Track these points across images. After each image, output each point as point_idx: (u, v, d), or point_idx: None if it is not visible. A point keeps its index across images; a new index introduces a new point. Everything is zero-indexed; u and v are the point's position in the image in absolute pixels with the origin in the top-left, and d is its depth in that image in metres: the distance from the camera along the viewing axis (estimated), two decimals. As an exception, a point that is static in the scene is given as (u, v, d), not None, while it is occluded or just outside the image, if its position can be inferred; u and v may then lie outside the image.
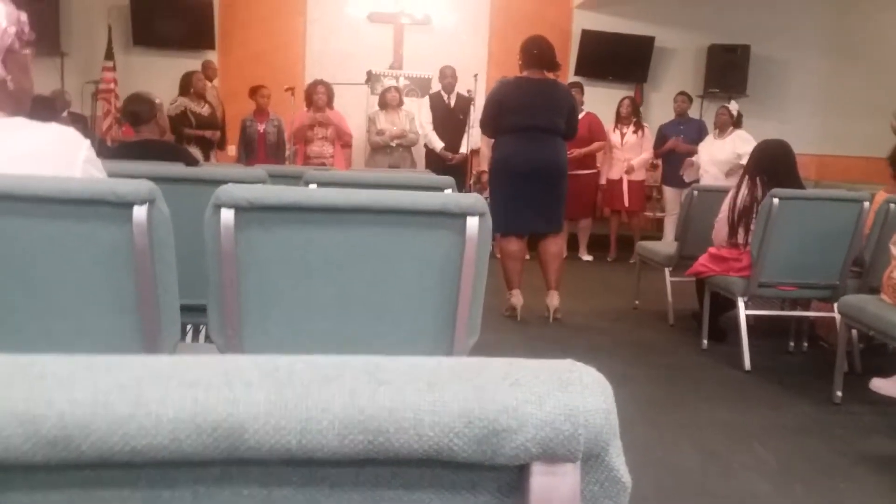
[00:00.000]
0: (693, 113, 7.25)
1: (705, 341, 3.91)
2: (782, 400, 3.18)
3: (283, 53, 7.81)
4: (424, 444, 0.37)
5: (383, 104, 6.72)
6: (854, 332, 3.39)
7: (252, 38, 7.77)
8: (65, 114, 6.43)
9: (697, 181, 6.04)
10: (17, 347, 1.32)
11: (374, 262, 1.49)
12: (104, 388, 0.37)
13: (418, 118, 6.78)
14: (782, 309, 4.02)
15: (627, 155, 6.88)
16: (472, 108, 6.46)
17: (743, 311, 3.58)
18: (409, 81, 7.73)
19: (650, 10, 8.08)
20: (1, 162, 1.25)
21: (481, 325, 1.60)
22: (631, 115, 6.93)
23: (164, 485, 0.39)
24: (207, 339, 2.13)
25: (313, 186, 2.19)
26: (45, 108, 5.19)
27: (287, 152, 6.69)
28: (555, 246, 4.43)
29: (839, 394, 3.08)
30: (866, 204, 3.48)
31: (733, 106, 6.27)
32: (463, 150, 6.68)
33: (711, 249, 3.83)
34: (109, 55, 7.31)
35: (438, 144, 6.67)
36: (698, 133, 6.70)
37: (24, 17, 1.33)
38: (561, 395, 0.39)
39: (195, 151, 5.48)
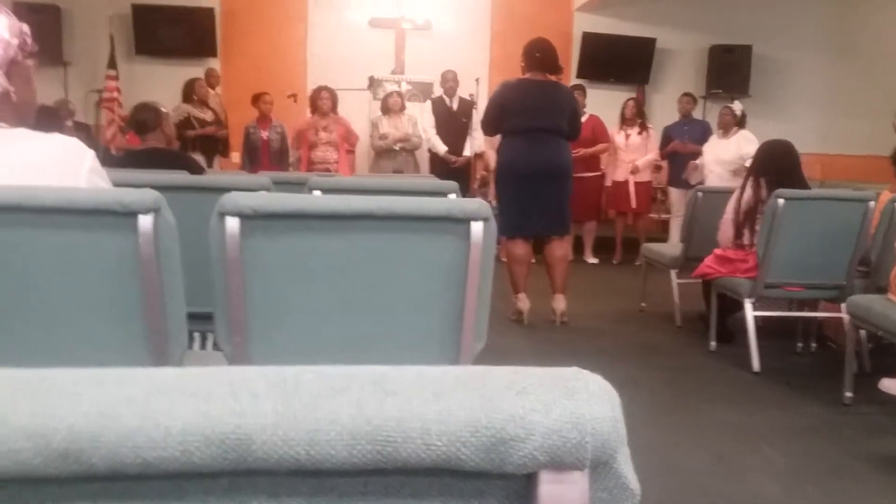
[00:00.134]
0: (696, 114, 7.25)
1: (713, 343, 3.90)
2: (791, 401, 3.17)
3: (284, 60, 7.83)
4: (432, 453, 0.38)
5: (386, 109, 6.73)
6: (862, 332, 3.37)
7: (254, 45, 7.80)
8: (69, 123, 6.46)
9: (702, 182, 6.03)
10: (25, 357, 1.33)
11: (380, 269, 1.49)
12: (113, 401, 0.37)
13: (421, 122, 6.80)
14: (790, 310, 4.00)
15: (632, 156, 6.87)
16: (474, 111, 6.47)
17: (750, 313, 3.57)
18: (411, 86, 7.74)
19: (651, 11, 8.08)
20: (5, 173, 1.26)
21: (488, 329, 1.60)
22: (635, 116, 6.93)
23: (174, 496, 0.39)
24: (215, 346, 2.13)
25: (317, 193, 2.19)
26: (50, 118, 5.21)
27: (291, 158, 6.71)
28: (560, 249, 4.42)
29: (848, 394, 3.07)
30: (872, 203, 3.47)
31: (737, 106, 6.26)
32: (466, 153, 6.68)
33: (717, 251, 3.82)
34: (112, 64, 7.35)
35: (442, 148, 6.68)
36: (703, 134, 6.69)
37: (26, 28, 1.34)
38: (568, 404, 0.39)
39: (199, 158, 5.50)
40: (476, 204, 1.48)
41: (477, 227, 1.46)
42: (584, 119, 6.33)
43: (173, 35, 7.51)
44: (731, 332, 3.97)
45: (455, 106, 6.80)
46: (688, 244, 4.41)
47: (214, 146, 6.63)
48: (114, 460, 0.36)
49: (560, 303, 4.38)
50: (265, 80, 7.24)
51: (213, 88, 6.91)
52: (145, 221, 1.27)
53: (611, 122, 6.99)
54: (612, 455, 0.40)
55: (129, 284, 1.32)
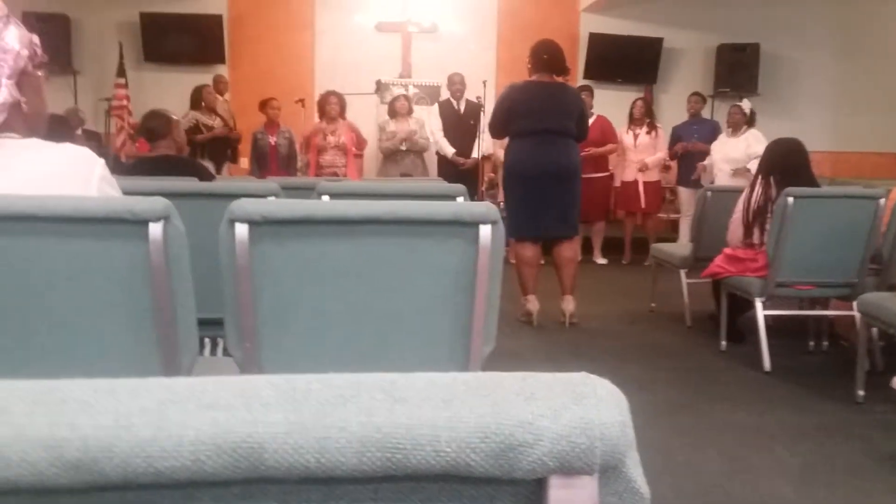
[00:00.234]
0: (704, 113, 7.22)
1: (724, 343, 3.89)
2: (803, 400, 3.15)
3: (292, 66, 7.86)
4: (442, 460, 0.38)
5: (393, 113, 6.75)
6: (874, 329, 3.35)
7: (261, 51, 7.83)
8: (79, 131, 6.51)
9: (712, 182, 6.01)
10: (36, 365, 1.34)
11: (388, 273, 1.50)
12: (126, 412, 0.37)
13: (428, 125, 6.81)
14: (801, 308, 3.99)
15: (641, 156, 6.87)
16: (481, 113, 6.47)
17: (761, 312, 3.55)
18: (418, 89, 7.75)
19: (658, 11, 8.07)
20: (17, 183, 1.27)
21: (497, 331, 1.60)
22: (644, 116, 6.92)
23: (187, 504, 0.40)
24: (225, 352, 2.14)
25: (326, 198, 2.20)
26: (60, 127, 5.25)
27: (299, 163, 6.73)
28: (569, 250, 4.42)
29: (861, 393, 3.05)
30: (882, 200, 3.46)
31: (745, 104, 6.23)
32: (474, 155, 6.69)
33: (727, 250, 3.81)
34: (121, 72, 7.40)
35: (450, 150, 6.69)
36: (712, 133, 6.67)
37: (36, 39, 1.35)
38: (576, 409, 0.39)
39: (208, 164, 5.53)
40: (484, 207, 1.49)
41: (485, 231, 1.46)
42: (591, 120, 6.33)
43: (181, 42, 7.56)
44: (741, 332, 3.95)
45: (462, 108, 6.81)
46: (697, 244, 4.39)
47: (223, 152, 6.66)
48: (127, 470, 0.36)
49: (569, 304, 4.37)
50: (273, 86, 7.27)
51: (221, 95, 6.94)
52: (155, 229, 1.28)
53: (619, 123, 6.98)
54: (621, 459, 0.40)
55: (140, 292, 1.33)
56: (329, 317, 1.50)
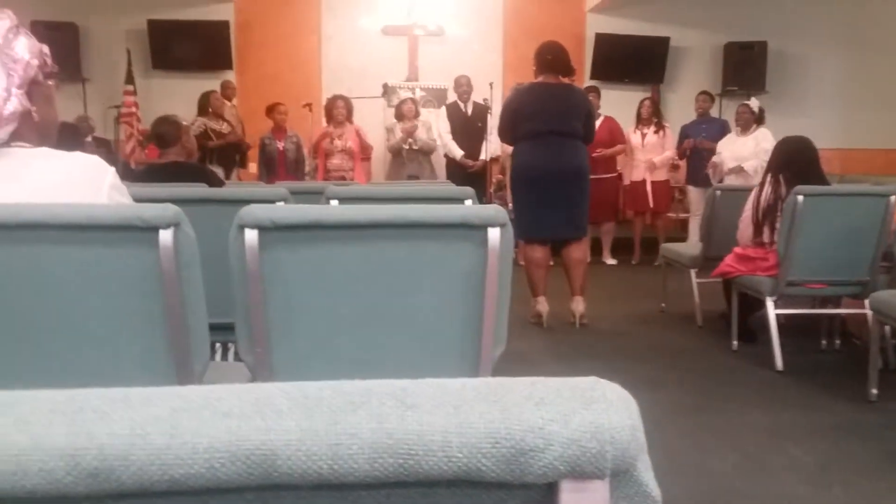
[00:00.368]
0: (712, 112, 7.20)
1: (735, 342, 3.87)
2: (816, 399, 3.14)
3: (299, 71, 7.89)
4: (453, 465, 0.38)
5: (400, 116, 6.76)
6: (887, 327, 3.33)
7: (268, 57, 7.87)
8: (89, 139, 6.56)
9: (721, 180, 5.99)
10: (50, 373, 1.35)
11: (398, 276, 1.50)
12: (141, 421, 0.38)
13: (435, 128, 6.82)
14: (812, 307, 3.97)
15: (649, 156, 6.86)
16: (489, 115, 6.48)
17: (772, 311, 3.54)
18: (424, 92, 7.77)
19: (664, 10, 8.05)
20: (29, 192, 1.28)
21: (507, 333, 1.60)
22: (652, 116, 6.91)
23: (201, 512, 0.40)
24: (236, 357, 2.15)
25: (335, 202, 2.21)
26: (71, 135, 5.29)
27: (307, 168, 6.75)
28: (578, 252, 4.41)
29: (874, 391, 3.03)
30: (893, 198, 3.43)
31: (754, 103, 6.21)
32: (482, 157, 6.70)
33: (737, 249, 3.79)
34: (130, 79, 7.45)
35: (458, 152, 6.70)
36: (721, 132, 6.64)
37: (46, 49, 1.36)
38: (586, 413, 0.39)
39: (217, 170, 5.56)
40: (492, 210, 1.49)
41: (494, 233, 1.46)
42: (599, 121, 6.32)
43: (189, 49, 7.60)
44: (753, 331, 3.94)
45: (470, 111, 6.81)
46: (707, 243, 4.38)
47: (232, 158, 6.69)
48: (142, 478, 0.37)
49: (579, 305, 4.37)
50: (280, 91, 7.30)
51: (229, 100, 6.98)
52: (166, 236, 1.28)
53: (626, 123, 6.97)
54: (632, 463, 0.40)
55: (151, 298, 1.34)
56: (339, 321, 1.51)
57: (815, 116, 7.65)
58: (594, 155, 6.31)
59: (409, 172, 6.59)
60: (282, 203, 2.17)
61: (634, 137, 6.91)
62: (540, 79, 4.35)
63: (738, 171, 5.96)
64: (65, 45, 7.06)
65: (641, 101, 7.03)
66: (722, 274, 3.87)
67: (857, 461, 2.51)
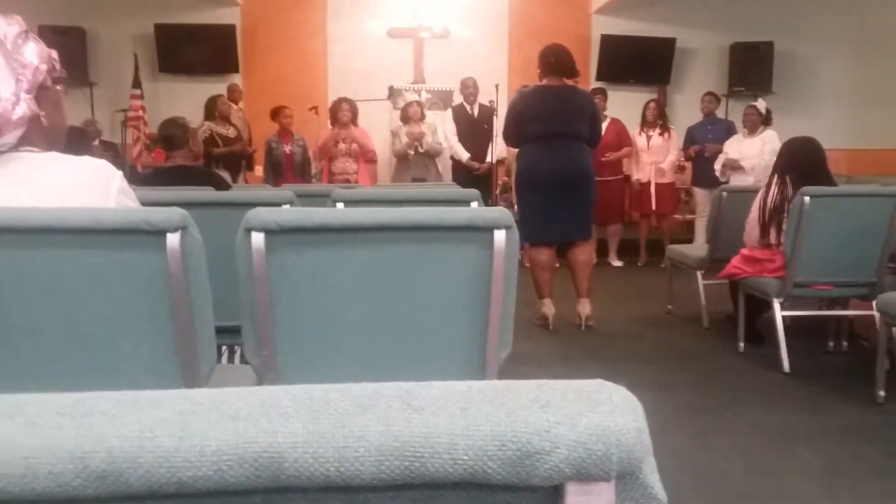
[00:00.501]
0: (719, 113, 7.18)
1: (742, 344, 3.86)
2: (824, 401, 3.13)
3: (305, 73, 7.91)
4: (459, 468, 0.38)
5: (405, 118, 6.77)
6: (895, 329, 3.32)
7: (274, 60, 7.89)
8: (96, 142, 6.59)
9: (727, 181, 5.98)
10: (58, 376, 1.36)
11: (404, 279, 1.50)
12: (150, 423, 0.38)
13: (441, 130, 6.82)
14: (820, 308, 3.95)
15: (654, 158, 6.85)
16: (495, 117, 6.48)
17: (779, 313, 3.53)
18: (430, 95, 7.78)
19: (670, 11, 8.04)
20: (37, 197, 1.29)
21: (513, 335, 1.60)
22: (657, 118, 6.90)
23: (209, 514, 0.40)
24: (243, 359, 2.16)
25: (340, 205, 2.21)
26: (78, 138, 5.31)
27: (314, 170, 6.77)
28: (584, 254, 4.40)
29: (882, 393, 3.02)
30: (900, 198, 3.42)
31: (761, 104, 6.20)
32: (488, 159, 6.70)
33: (744, 251, 3.78)
34: (137, 83, 7.48)
35: (464, 155, 6.70)
36: (726, 133, 6.63)
37: (54, 54, 1.37)
38: (592, 416, 0.40)
39: (224, 173, 5.57)
40: (498, 212, 1.49)
41: (500, 236, 1.46)
42: (606, 123, 6.32)
43: (195, 52, 7.63)
44: (760, 333, 3.92)
45: (476, 113, 6.81)
46: (713, 245, 4.37)
47: (239, 162, 6.71)
48: (151, 481, 0.37)
49: (585, 307, 4.36)
50: (286, 94, 7.32)
51: (235, 103, 7.00)
52: (173, 239, 1.29)
53: (632, 125, 6.96)
54: (637, 465, 0.40)
55: (159, 302, 1.34)
56: (345, 323, 1.51)
57: (822, 117, 7.62)
58: (602, 159, 6.33)
59: (414, 175, 6.59)
60: (288, 206, 2.18)
61: (640, 140, 6.91)
62: (544, 81, 4.35)
63: (737, 167, 5.98)
64: (72, 49, 7.10)
65: (646, 104, 7.02)
66: (728, 275, 3.86)
67: (864, 463, 2.50)
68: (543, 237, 4.32)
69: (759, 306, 3.82)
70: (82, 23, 7.58)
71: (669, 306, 4.85)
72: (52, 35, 6.70)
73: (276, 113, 6.73)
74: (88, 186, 1.34)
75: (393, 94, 7.27)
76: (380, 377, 0.43)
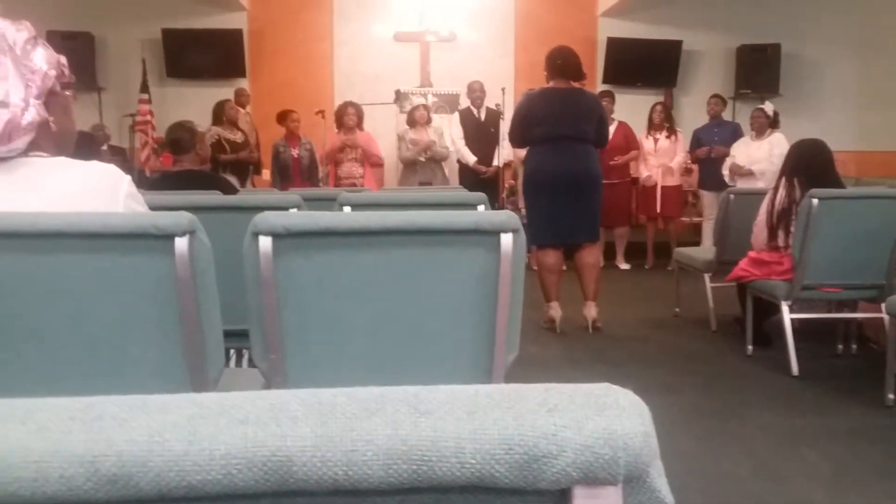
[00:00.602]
0: (725, 115, 7.17)
1: (750, 347, 3.85)
2: (832, 404, 3.11)
3: (312, 77, 7.94)
4: (467, 471, 0.38)
5: (412, 122, 6.78)
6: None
7: (281, 64, 7.92)
8: (105, 147, 6.62)
9: (734, 184, 5.97)
10: (67, 380, 1.36)
11: (411, 283, 1.50)
12: (159, 427, 0.38)
13: (448, 134, 6.83)
14: (828, 311, 3.93)
15: (661, 160, 6.84)
16: (501, 121, 6.49)
17: (787, 315, 3.51)
18: (437, 98, 7.79)
19: (676, 13, 8.03)
20: (46, 201, 1.30)
21: (521, 338, 1.60)
22: (664, 121, 6.89)
23: (218, 517, 0.41)
24: (251, 363, 2.16)
25: (347, 209, 2.22)
26: (86, 143, 5.34)
27: (320, 174, 6.78)
28: (591, 256, 4.40)
29: (891, 396, 3.00)
30: (909, 200, 3.41)
31: (768, 106, 6.18)
32: (495, 163, 6.70)
33: (751, 253, 3.77)
34: (145, 88, 7.52)
35: (471, 158, 6.70)
36: (732, 136, 6.61)
37: (63, 60, 1.38)
38: (599, 420, 0.40)
39: (231, 178, 5.58)
40: (505, 216, 1.49)
41: (506, 239, 1.47)
42: (613, 126, 6.31)
43: (203, 57, 7.67)
44: (768, 336, 3.91)
45: (482, 116, 6.82)
46: (721, 247, 4.36)
47: (246, 167, 6.74)
48: (161, 484, 0.37)
49: (591, 310, 4.36)
50: (293, 98, 7.34)
51: (243, 107, 7.02)
52: (181, 244, 1.30)
53: (639, 127, 6.95)
54: (645, 469, 0.40)
55: (167, 306, 1.35)
56: (353, 327, 1.51)
57: (829, 119, 7.60)
58: (611, 163, 6.33)
59: (421, 179, 6.60)
60: (295, 210, 2.19)
61: (647, 143, 6.90)
62: (551, 84, 4.35)
63: (747, 173, 5.95)
64: (80, 54, 7.14)
65: (653, 107, 7.02)
66: (736, 278, 3.85)
67: (873, 466, 2.48)
68: (550, 239, 4.32)
69: (766, 309, 3.81)
70: (91, 28, 7.62)
71: (677, 309, 4.83)
72: (61, 40, 6.75)
73: (283, 117, 6.75)
74: (97, 191, 1.35)
75: (399, 97, 7.29)
76: (387, 380, 0.43)
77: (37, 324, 1.33)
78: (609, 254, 6.66)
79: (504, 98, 6.57)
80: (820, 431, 2.80)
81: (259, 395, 0.41)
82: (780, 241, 3.60)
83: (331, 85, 7.98)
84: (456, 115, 6.98)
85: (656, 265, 6.90)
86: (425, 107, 6.96)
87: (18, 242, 1.26)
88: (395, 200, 2.52)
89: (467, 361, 1.56)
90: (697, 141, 6.83)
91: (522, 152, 4.81)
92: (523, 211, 4.76)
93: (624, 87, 7.83)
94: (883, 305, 3.11)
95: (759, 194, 3.90)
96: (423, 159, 6.61)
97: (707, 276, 4.47)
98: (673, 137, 6.86)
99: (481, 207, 2.29)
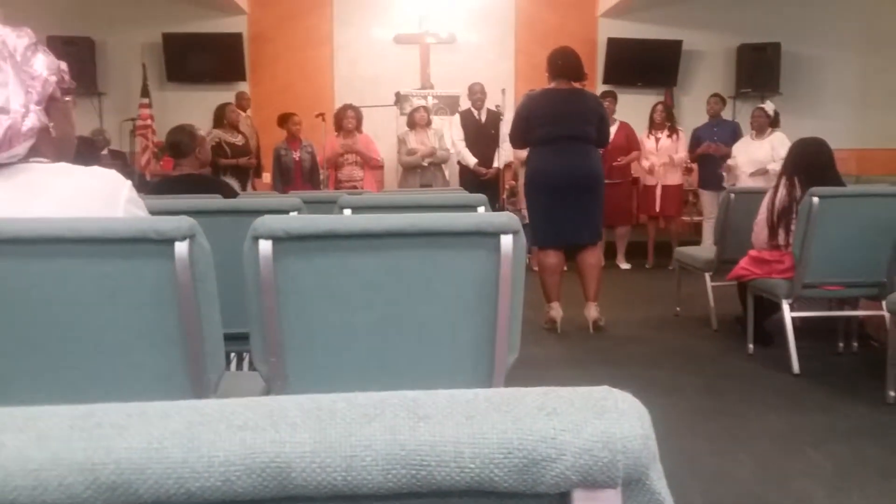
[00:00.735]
0: (726, 114, 7.17)
1: (751, 346, 3.85)
2: (834, 402, 3.11)
3: (312, 81, 7.94)
4: (466, 475, 0.38)
5: (412, 124, 6.78)
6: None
7: (282, 68, 7.92)
8: (105, 151, 6.63)
9: (734, 184, 5.97)
10: (67, 385, 1.37)
11: (411, 285, 1.51)
12: (158, 435, 0.38)
13: (448, 136, 6.83)
14: (829, 309, 3.93)
15: (663, 160, 6.85)
16: (501, 122, 6.49)
17: (788, 314, 3.51)
18: (437, 100, 7.79)
19: (676, 13, 8.03)
20: (46, 207, 1.30)
21: (521, 339, 1.60)
22: (665, 120, 6.89)
23: (217, 524, 0.41)
24: (251, 366, 2.16)
25: (347, 211, 2.22)
26: (87, 148, 5.35)
27: (321, 177, 6.79)
28: (592, 257, 4.40)
29: (892, 393, 3.00)
30: (910, 198, 3.40)
31: (769, 106, 6.18)
32: (496, 164, 6.70)
33: (752, 252, 3.77)
34: (145, 92, 7.53)
35: (472, 160, 6.71)
36: (732, 135, 6.62)
37: (63, 65, 1.38)
38: (598, 423, 0.40)
39: (232, 182, 5.60)
40: (505, 217, 1.49)
41: (507, 241, 1.47)
42: (615, 127, 6.32)
43: (203, 61, 7.67)
44: (769, 335, 3.91)
45: (483, 118, 6.82)
46: (721, 246, 4.36)
47: (246, 171, 6.75)
48: (160, 491, 0.38)
49: (592, 311, 4.35)
50: (294, 101, 7.34)
51: (244, 111, 7.03)
52: (181, 248, 1.30)
53: (640, 127, 6.95)
54: (644, 472, 0.40)
55: (167, 310, 1.35)
56: (353, 329, 1.52)
57: (829, 117, 7.59)
58: (613, 164, 6.33)
59: (421, 181, 6.61)
60: (295, 213, 2.19)
61: (648, 142, 6.90)
62: (552, 84, 4.35)
63: (763, 172, 5.93)
64: (80, 59, 7.15)
65: (654, 106, 7.02)
66: (737, 277, 3.85)
67: (875, 464, 2.48)
68: (552, 240, 4.32)
69: (767, 308, 3.81)
70: (91, 33, 7.63)
71: (678, 308, 4.83)
72: (61, 45, 6.76)
73: (284, 120, 6.75)
74: (98, 197, 1.35)
75: (400, 99, 7.29)
76: (387, 381, 0.43)
77: (37, 328, 1.33)
78: (610, 253, 6.66)
79: (504, 99, 6.57)
80: (821, 430, 2.80)
81: (257, 401, 0.41)
82: (781, 240, 3.60)
83: (331, 88, 7.99)
84: (456, 117, 6.99)
85: (657, 265, 6.90)
86: (425, 108, 6.97)
87: (19, 248, 1.26)
88: (396, 203, 2.52)
89: (468, 362, 1.56)
90: (697, 140, 6.83)
91: (523, 153, 4.81)
92: (524, 212, 4.76)
93: (624, 87, 7.83)
94: (884, 303, 3.10)
95: (760, 193, 3.90)
96: (425, 164, 6.62)
97: (708, 276, 4.47)
98: (674, 136, 6.87)
99: (481, 209, 2.29)
